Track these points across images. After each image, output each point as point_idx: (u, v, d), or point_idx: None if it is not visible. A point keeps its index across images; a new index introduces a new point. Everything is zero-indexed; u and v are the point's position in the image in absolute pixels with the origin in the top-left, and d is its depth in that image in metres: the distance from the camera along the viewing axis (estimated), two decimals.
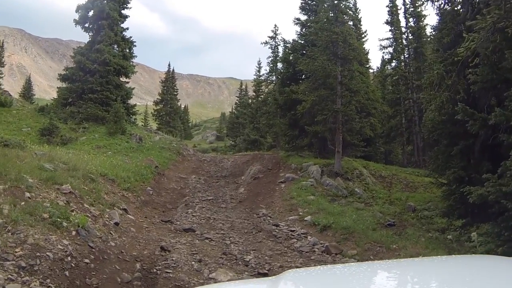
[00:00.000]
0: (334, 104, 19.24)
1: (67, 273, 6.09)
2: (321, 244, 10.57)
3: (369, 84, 26.93)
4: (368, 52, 32.30)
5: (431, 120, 12.18)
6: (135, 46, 31.52)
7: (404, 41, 31.10)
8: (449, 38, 11.43)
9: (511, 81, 8.90)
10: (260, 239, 10.73)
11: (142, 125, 46.33)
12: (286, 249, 10.13)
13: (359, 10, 33.74)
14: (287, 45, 28.84)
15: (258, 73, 44.10)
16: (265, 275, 7.78)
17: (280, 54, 33.69)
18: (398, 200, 16.47)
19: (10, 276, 5.32)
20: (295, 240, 11.04)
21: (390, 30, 31.22)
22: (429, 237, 11.76)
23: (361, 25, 33.75)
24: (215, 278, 7.42)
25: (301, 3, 28.10)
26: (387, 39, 31.18)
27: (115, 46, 29.98)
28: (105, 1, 29.10)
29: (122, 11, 30.80)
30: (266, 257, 9.13)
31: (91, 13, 29.20)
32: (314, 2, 27.12)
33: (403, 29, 31.20)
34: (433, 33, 19.51)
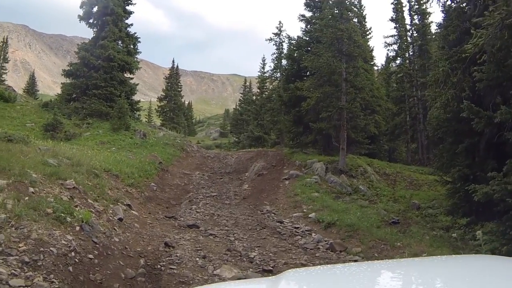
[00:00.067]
0: (338, 101, 19.18)
1: (70, 268, 6.09)
2: (325, 241, 10.56)
3: (374, 81, 26.79)
4: (372, 50, 32.14)
5: (436, 117, 12.12)
6: (140, 42, 31.40)
7: (409, 39, 30.95)
8: (455, 35, 11.34)
9: None
10: (264, 236, 10.72)
11: (146, 121, 46.42)
12: (290, 246, 10.12)
13: (364, 7, 33.56)
14: (291, 41, 28.65)
15: (262, 70, 44.13)
16: (269, 271, 7.78)
17: (285, 51, 33.54)
18: (402, 198, 16.44)
19: (13, 271, 5.32)
20: (300, 237, 11.04)
21: (394, 28, 31.09)
22: (433, 235, 11.70)
23: (365, 22, 33.59)
24: (220, 274, 7.41)
25: None
26: (391, 36, 31.06)
27: (120, 42, 29.92)
28: None
29: (127, 7, 30.75)
30: (270, 254, 9.11)
31: (95, 9, 29.15)
32: None
33: (408, 27, 31.06)
34: (438, 30, 19.45)
